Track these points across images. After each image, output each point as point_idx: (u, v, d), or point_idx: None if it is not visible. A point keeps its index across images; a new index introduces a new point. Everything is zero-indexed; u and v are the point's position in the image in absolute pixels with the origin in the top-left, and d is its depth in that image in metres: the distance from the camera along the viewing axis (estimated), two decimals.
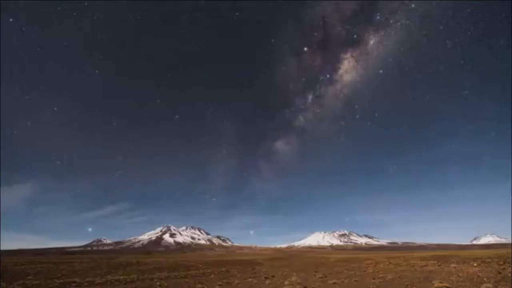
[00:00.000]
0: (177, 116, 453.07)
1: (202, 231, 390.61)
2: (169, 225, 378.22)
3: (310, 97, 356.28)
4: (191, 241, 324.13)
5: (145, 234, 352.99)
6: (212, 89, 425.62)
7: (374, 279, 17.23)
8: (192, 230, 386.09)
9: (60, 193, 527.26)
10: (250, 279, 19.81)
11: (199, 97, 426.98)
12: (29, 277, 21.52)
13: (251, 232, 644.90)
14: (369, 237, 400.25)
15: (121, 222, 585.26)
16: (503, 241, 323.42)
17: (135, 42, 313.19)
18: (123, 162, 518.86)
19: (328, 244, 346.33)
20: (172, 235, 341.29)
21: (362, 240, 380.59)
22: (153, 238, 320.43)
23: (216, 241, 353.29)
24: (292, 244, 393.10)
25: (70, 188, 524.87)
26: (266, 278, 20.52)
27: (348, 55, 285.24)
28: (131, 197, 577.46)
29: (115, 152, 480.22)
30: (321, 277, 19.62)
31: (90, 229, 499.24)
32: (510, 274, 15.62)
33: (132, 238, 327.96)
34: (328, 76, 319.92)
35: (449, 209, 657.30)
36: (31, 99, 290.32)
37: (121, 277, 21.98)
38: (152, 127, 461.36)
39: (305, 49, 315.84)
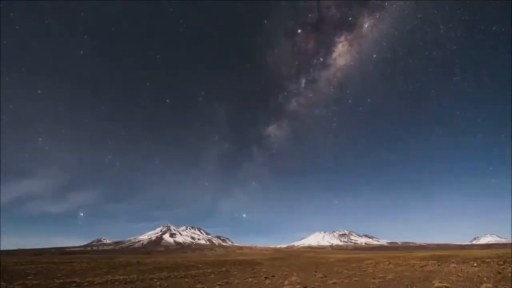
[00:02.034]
0: (168, 100, 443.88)
1: (202, 231, 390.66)
2: (169, 225, 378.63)
3: (303, 81, 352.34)
4: (191, 241, 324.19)
5: (145, 234, 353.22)
6: (203, 72, 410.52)
7: (374, 279, 17.23)
8: (192, 230, 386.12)
9: (48, 180, 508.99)
10: (250, 279, 19.81)
11: (190, 81, 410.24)
12: (29, 277, 21.52)
13: (244, 215, 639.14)
14: (369, 237, 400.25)
15: (112, 209, 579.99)
16: (503, 241, 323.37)
17: (122, 21, 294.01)
18: (113, 147, 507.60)
19: (328, 244, 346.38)
20: (172, 235, 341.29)
21: (362, 240, 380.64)
22: (153, 238, 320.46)
23: (216, 241, 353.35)
24: (292, 244, 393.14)
25: (59, 174, 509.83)
26: (266, 278, 20.52)
27: (342, 38, 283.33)
28: (123, 183, 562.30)
29: (104, 136, 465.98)
30: (321, 277, 19.62)
31: (82, 214, 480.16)
32: (510, 274, 15.61)
33: (132, 238, 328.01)
34: (321, 60, 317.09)
35: (449, 209, 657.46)
36: (12, 80, 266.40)
37: (121, 277, 21.98)
38: (142, 111, 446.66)
39: (299, 31, 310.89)
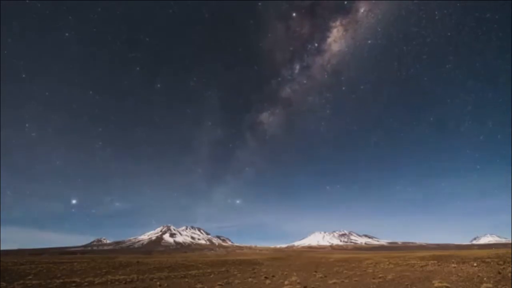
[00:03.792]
0: (158, 85, 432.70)
1: (202, 231, 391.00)
2: (169, 225, 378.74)
3: (297, 67, 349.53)
4: (191, 241, 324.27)
5: (145, 234, 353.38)
6: (195, 56, 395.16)
7: (374, 279, 17.23)
8: (192, 230, 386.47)
9: (36, 166, 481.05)
10: (250, 279, 19.80)
11: (181, 65, 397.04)
12: (29, 277, 21.52)
13: (237, 201, 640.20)
14: (369, 237, 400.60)
15: (104, 194, 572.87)
16: (503, 241, 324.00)
17: (109, 2, 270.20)
18: (102, 134, 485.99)
19: (328, 244, 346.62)
20: (172, 235, 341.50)
21: (362, 240, 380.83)
22: (153, 238, 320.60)
23: (216, 241, 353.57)
24: (292, 244, 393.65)
25: (46, 160, 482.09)
26: (266, 278, 20.51)
27: (338, 23, 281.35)
28: (113, 171, 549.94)
29: (94, 123, 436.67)
30: (321, 277, 19.61)
31: (74, 201, 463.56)
32: (510, 274, 15.62)
33: (132, 238, 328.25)
34: (316, 45, 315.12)
35: (449, 209, 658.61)
36: None
37: (121, 277, 21.98)
38: (132, 96, 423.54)
39: (294, 14, 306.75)
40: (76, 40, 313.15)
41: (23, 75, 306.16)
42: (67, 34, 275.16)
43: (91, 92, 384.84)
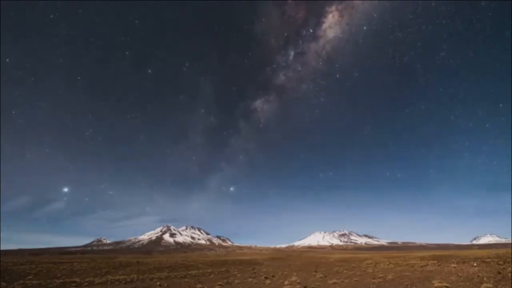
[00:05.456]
0: (149, 71, 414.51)
1: (202, 231, 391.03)
2: (169, 225, 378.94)
3: (291, 53, 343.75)
4: (191, 241, 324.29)
5: (145, 234, 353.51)
6: (187, 41, 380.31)
7: (374, 279, 17.23)
8: (192, 230, 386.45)
9: (25, 154, 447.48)
10: (250, 279, 19.81)
11: (172, 50, 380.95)
12: (29, 277, 21.53)
13: (231, 188, 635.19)
14: (369, 237, 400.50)
15: (95, 184, 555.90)
16: (503, 241, 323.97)
17: None
18: (93, 122, 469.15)
19: (328, 244, 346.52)
20: (172, 235, 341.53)
21: (362, 240, 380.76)
22: (153, 238, 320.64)
23: (216, 241, 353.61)
24: (292, 244, 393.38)
25: (35, 148, 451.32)
26: (266, 278, 20.51)
27: (333, 8, 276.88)
28: (107, 161, 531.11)
29: (83, 110, 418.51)
30: (321, 277, 19.62)
31: (65, 189, 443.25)
32: (510, 274, 15.62)
33: (132, 238, 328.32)
34: (311, 31, 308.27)
35: (449, 209, 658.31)
36: None
37: (121, 277, 21.98)
38: (122, 83, 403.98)
39: None
40: (62, 22, 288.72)
41: (7, 60, 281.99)
42: (51, 16, 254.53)
43: (79, 77, 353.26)
